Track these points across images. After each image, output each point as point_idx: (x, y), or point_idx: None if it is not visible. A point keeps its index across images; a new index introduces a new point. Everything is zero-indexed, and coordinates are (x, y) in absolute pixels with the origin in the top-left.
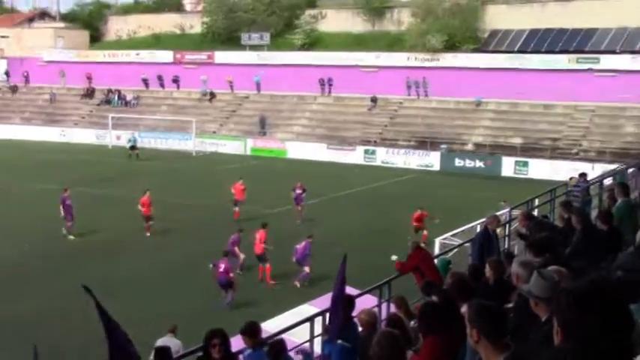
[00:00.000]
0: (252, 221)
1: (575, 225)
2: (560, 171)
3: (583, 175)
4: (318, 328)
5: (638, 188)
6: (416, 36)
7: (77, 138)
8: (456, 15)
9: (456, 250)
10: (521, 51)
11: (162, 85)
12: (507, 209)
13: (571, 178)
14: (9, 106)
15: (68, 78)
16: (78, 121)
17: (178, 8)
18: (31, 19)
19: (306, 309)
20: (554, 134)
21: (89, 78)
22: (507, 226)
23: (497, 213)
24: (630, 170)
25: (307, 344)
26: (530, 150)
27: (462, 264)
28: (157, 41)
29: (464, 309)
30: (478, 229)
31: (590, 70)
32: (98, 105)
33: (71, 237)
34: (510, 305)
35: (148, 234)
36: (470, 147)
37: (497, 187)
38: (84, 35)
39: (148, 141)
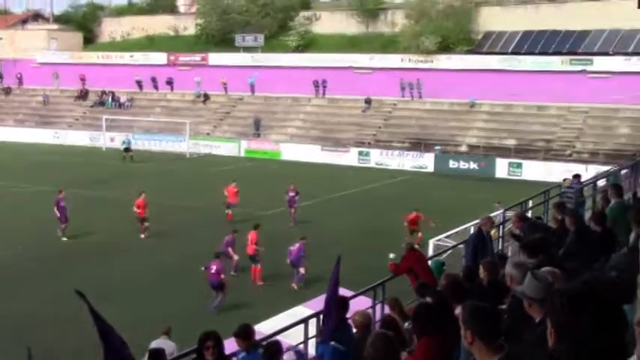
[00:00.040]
0: (246, 223)
1: (568, 226)
2: (553, 172)
3: (577, 176)
4: (312, 330)
5: (631, 189)
6: (410, 37)
7: (71, 140)
8: (449, 17)
9: (450, 251)
10: (514, 52)
11: (156, 87)
12: (501, 211)
13: (564, 180)
14: (2, 108)
15: (62, 80)
16: (71, 122)
17: (172, 10)
18: (24, 21)
19: (301, 310)
20: (547, 136)
21: (83, 80)
22: (501, 227)
23: (491, 214)
24: (623, 171)
25: (301, 346)
26: (524, 151)
27: (456, 265)
28: (150, 43)
29: (458, 310)
30: (472, 231)
31: (583, 71)
32: (92, 107)
33: (64, 239)
34: (504, 306)
35: (143, 236)
36: (464, 148)
37: (491, 188)
38: (77, 37)
39: (142, 143)
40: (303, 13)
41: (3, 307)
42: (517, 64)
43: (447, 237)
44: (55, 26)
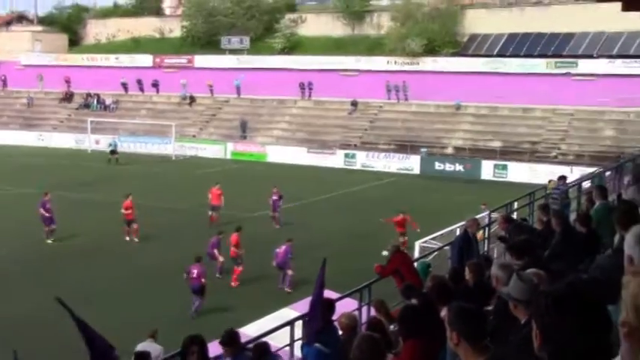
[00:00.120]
0: (231, 225)
1: (554, 227)
2: (539, 174)
3: (562, 177)
4: (298, 332)
5: (615, 191)
6: (396, 40)
7: (55, 142)
8: (435, 19)
9: (435, 253)
10: (500, 55)
11: (141, 89)
12: (487, 212)
13: (550, 181)
14: None
15: (46, 82)
16: (56, 125)
17: (158, 12)
18: (8, 23)
19: (287, 313)
20: (533, 138)
21: (68, 82)
22: (487, 229)
23: (477, 216)
24: (608, 173)
25: (287, 348)
26: (510, 153)
27: (442, 267)
28: (136, 45)
29: (444, 312)
30: (458, 232)
31: (568, 74)
32: (77, 109)
33: (49, 241)
34: (490, 307)
35: (137, 239)
36: (450, 150)
37: (477, 190)
38: (62, 39)
39: (128, 145)
40: (289, 16)
41: None
42: (502, 67)
43: (432, 239)
44: (39, 28)
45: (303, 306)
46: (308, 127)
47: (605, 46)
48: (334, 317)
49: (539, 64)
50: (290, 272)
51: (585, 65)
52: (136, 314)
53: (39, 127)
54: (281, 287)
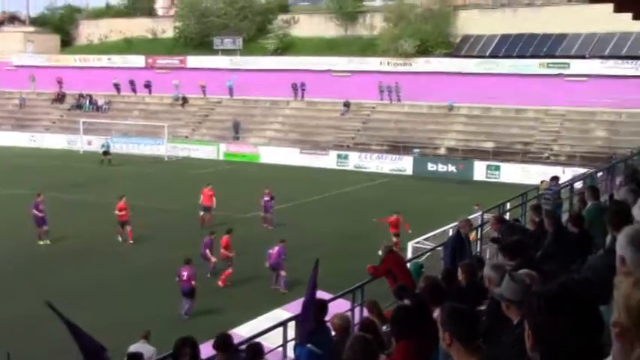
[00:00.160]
0: (224, 226)
1: (547, 227)
2: (531, 175)
3: (555, 178)
4: (291, 333)
5: (607, 192)
6: (388, 41)
7: (48, 143)
8: (428, 20)
9: (428, 253)
10: (492, 56)
11: (134, 90)
12: (479, 213)
13: (542, 182)
14: None
15: (38, 82)
16: (48, 126)
17: (150, 13)
18: (0, 23)
19: (280, 314)
20: (525, 138)
21: (60, 82)
22: (479, 229)
23: (470, 217)
24: (600, 174)
25: (280, 349)
26: (502, 154)
27: (435, 267)
28: (128, 46)
29: (436, 313)
30: (450, 233)
31: (560, 74)
32: (69, 110)
33: (41, 242)
34: (483, 308)
35: (131, 241)
36: (442, 151)
37: (469, 191)
38: (54, 39)
39: (120, 146)
40: (282, 17)
41: None
42: (495, 68)
43: (425, 239)
44: (31, 29)
45: (296, 307)
46: (301, 127)
47: (597, 47)
48: (327, 318)
49: (531, 65)
50: (283, 273)
51: (577, 66)
52: (128, 315)
53: (31, 127)
54: (274, 288)
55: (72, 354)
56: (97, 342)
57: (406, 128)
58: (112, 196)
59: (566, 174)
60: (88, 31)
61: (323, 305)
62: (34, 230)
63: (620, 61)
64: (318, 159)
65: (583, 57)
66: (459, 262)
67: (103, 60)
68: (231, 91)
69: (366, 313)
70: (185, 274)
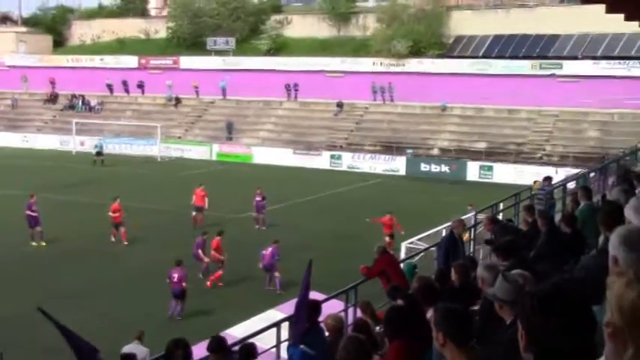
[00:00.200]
0: (217, 226)
1: (540, 227)
2: (524, 175)
3: (548, 178)
4: (284, 334)
5: (600, 192)
6: (381, 41)
7: (40, 144)
8: (421, 21)
9: (421, 254)
10: (485, 56)
11: (126, 91)
12: (472, 213)
13: (535, 182)
14: None
15: (31, 83)
16: (41, 126)
17: (143, 13)
18: None
19: (273, 314)
20: (518, 139)
21: (52, 83)
22: (473, 230)
23: (464, 217)
24: (592, 174)
25: (274, 349)
26: (495, 154)
27: (428, 268)
28: (121, 46)
29: (430, 313)
30: (444, 233)
31: (553, 75)
32: (62, 110)
33: (34, 243)
34: (475, 308)
35: (125, 242)
36: (435, 152)
37: (463, 191)
38: (47, 40)
39: (113, 147)
40: (275, 17)
41: None
42: (488, 68)
43: (419, 240)
44: (23, 29)
45: (289, 307)
46: (294, 128)
47: (589, 47)
48: (320, 318)
49: (524, 66)
50: (277, 274)
51: (570, 66)
52: (122, 316)
53: (23, 128)
54: (268, 289)
55: (65, 355)
56: (90, 344)
57: (399, 129)
58: (106, 197)
59: (558, 174)
60: (81, 32)
61: (316, 306)
62: (27, 231)
63: (612, 62)
64: (311, 159)
65: (575, 58)
66: (453, 262)
67: (96, 60)
68: (224, 92)
69: (359, 313)
70: (176, 275)
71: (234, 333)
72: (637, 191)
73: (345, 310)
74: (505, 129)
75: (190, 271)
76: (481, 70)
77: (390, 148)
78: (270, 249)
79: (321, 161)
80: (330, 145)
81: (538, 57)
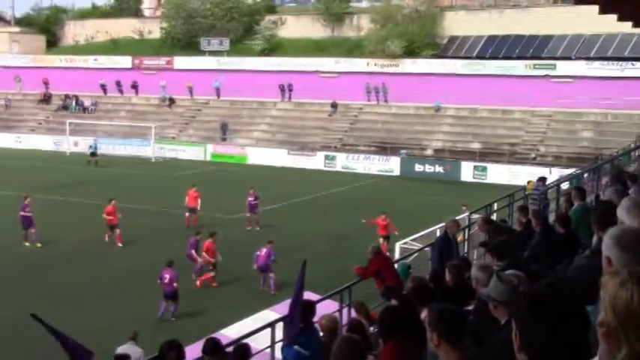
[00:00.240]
0: (210, 227)
1: (535, 227)
2: (518, 175)
3: (542, 179)
4: (279, 334)
5: (593, 192)
6: (375, 42)
7: (34, 144)
8: (415, 21)
9: (416, 254)
10: (479, 57)
11: (120, 91)
12: (466, 214)
13: (529, 182)
14: None
15: (24, 83)
16: (34, 127)
17: (137, 13)
18: None
19: (268, 315)
20: (512, 139)
21: (46, 83)
22: (467, 230)
23: (458, 217)
24: (586, 174)
25: (268, 350)
26: (489, 155)
27: (423, 268)
28: (115, 46)
29: (424, 313)
30: (438, 234)
31: (546, 76)
32: (55, 111)
33: (27, 244)
34: (470, 308)
35: (120, 244)
36: (429, 152)
37: (457, 191)
38: (40, 40)
39: (107, 147)
40: (269, 17)
41: None
42: (482, 69)
43: (413, 240)
44: (16, 29)
45: (284, 307)
46: (288, 128)
47: (583, 48)
48: (315, 319)
49: (517, 66)
50: (272, 275)
51: (563, 67)
52: (116, 317)
53: (17, 128)
54: (262, 289)
55: (59, 356)
56: (84, 347)
57: (393, 129)
58: (100, 198)
59: (552, 174)
60: (74, 32)
61: (310, 306)
62: (20, 232)
63: (605, 63)
64: (305, 160)
65: (569, 58)
66: (447, 262)
67: (90, 61)
68: (218, 92)
69: (353, 314)
70: (167, 276)
71: (229, 333)
72: (630, 192)
73: (340, 311)
74: (499, 129)
75: (184, 272)
76: (475, 70)
77: (385, 148)
78: (264, 250)
79: (315, 162)
80: (325, 145)
81: (532, 57)
